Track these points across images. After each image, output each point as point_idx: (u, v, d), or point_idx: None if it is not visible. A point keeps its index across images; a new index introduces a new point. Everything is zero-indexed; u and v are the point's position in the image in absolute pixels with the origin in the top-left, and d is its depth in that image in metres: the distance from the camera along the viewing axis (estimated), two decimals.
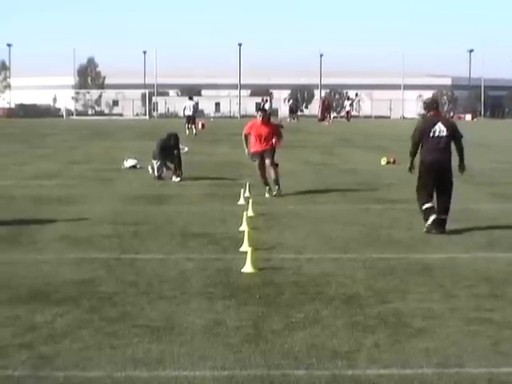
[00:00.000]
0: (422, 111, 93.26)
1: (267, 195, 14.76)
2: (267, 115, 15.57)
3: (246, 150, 15.35)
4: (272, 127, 15.45)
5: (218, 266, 8.76)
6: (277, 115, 58.75)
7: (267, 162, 14.93)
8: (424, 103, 12.03)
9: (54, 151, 27.80)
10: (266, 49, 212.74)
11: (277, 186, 14.91)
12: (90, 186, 16.72)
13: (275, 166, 15.05)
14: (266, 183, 15.05)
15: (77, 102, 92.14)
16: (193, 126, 40.37)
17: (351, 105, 74.55)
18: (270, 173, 14.96)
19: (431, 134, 11.11)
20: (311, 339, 6.13)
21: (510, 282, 8.10)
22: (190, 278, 8.18)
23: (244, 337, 6.20)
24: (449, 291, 7.67)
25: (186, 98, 45.47)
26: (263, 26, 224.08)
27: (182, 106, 42.94)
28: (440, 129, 11.10)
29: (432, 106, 11.55)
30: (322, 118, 64.27)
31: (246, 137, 15.38)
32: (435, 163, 11.16)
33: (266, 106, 52.58)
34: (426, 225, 11.00)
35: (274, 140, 15.07)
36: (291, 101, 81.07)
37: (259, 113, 15.46)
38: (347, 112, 70.95)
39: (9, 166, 21.82)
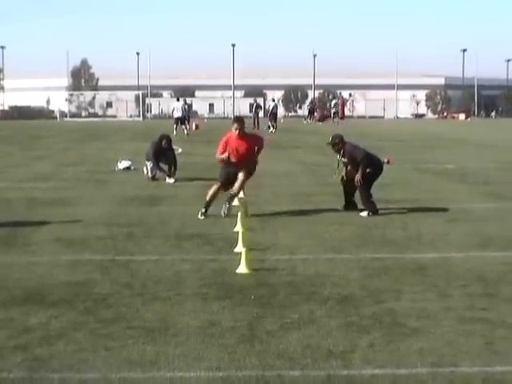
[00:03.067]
0: (416, 111, 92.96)
1: (200, 216, 12.17)
2: (244, 126, 12.58)
3: (224, 156, 12.52)
4: (252, 140, 12.80)
5: (212, 267, 8.76)
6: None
7: (241, 173, 12.41)
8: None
9: (48, 153, 27.77)
10: (259, 49, 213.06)
11: (225, 206, 12.30)
12: (84, 188, 16.71)
13: (245, 175, 12.47)
14: (209, 203, 12.34)
15: (70, 104, 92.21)
16: (183, 127, 40.44)
17: (342, 103, 71.33)
18: (237, 182, 12.46)
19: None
20: (306, 339, 6.14)
21: (504, 281, 8.12)
22: (184, 279, 8.18)
23: (239, 337, 6.20)
24: (443, 291, 7.69)
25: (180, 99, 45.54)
26: (257, 27, 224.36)
27: (172, 107, 42.97)
28: None
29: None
30: (318, 119, 64.25)
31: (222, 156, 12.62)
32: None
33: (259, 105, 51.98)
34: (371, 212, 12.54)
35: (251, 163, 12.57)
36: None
37: (235, 124, 12.46)
38: (334, 113, 65.28)
39: (2, 168, 21.78)
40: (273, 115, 49.13)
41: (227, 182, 12.49)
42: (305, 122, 62.30)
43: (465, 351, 5.85)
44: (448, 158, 24.30)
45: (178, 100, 43.57)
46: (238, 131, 12.40)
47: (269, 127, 46.65)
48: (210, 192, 12.37)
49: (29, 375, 5.38)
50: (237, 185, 12.41)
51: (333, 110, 65.91)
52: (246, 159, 12.46)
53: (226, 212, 12.18)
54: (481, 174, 19.73)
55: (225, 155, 12.45)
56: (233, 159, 12.43)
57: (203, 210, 12.16)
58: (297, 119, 76.81)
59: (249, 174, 12.56)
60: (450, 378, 5.32)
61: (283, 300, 7.36)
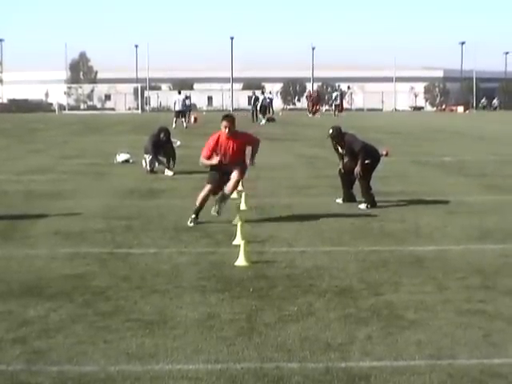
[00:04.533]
0: (414, 104, 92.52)
1: (190, 223, 11.05)
2: (234, 125, 11.31)
3: (212, 161, 11.31)
4: (244, 140, 11.50)
5: (210, 260, 8.77)
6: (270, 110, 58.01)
7: (234, 173, 11.21)
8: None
9: (46, 146, 27.75)
10: (258, 42, 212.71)
11: (217, 206, 11.27)
12: (82, 181, 16.71)
13: (239, 175, 11.31)
14: (201, 207, 11.24)
15: (69, 97, 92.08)
16: (182, 120, 40.51)
17: (341, 96, 70.48)
18: (230, 182, 11.26)
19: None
20: (304, 332, 6.15)
21: (502, 273, 8.13)
22: (183, 272, 8.19)
23: (237, 330, 6.21)
24: (441, 283, 7.70)
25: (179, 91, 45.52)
26: (255, 20, 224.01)
27: (173, 100, 42.97)
28: None
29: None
30: (314, 111, 64.13)
31: (209, 158, 11.37)
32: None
33: (261, 98, 51.86)
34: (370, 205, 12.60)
35: (245, 161, 11.44)
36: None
37: (224, 122, 11.21)
38: (336, 106, 64.85)
39: (1, 160, 21.77)
40: (263, 108, 50.86)
41: (218, 186, 11.32)
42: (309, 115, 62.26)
43: (463, 343, 5.87)
44: (446, 151, 24.29)
45: (179, 93, 43.51)
46: (227, 129, 11.18)
47: (260, 119, 48.84)
48: (200, 197, 11.22)
49: (27, 368, 5.39)
50: (230, 184, 11.24)
51: (336, 103, 65.69)
52: (238, 160, 11.31)
53: (217, 212, 11.22)
54: (479, 166, 19.73)
55: (214, 160, 11.24)
56: (223, 161, 11.23)
57: (193, 216, 11.10)
58: (295, 112, 76.70)
59: (243, 172, 11.45)
60: (447, 370, 5.33)
61: (281, 292, 7.37)
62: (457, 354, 5.63)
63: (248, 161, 11.49)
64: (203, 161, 11.42)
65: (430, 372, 5.29)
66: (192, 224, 10.98)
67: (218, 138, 11.29)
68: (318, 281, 7.79)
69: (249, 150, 11.55)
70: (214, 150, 11.25)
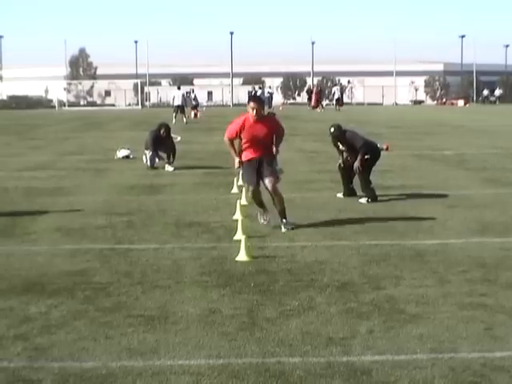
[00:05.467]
0: (415, 98, 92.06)
1: (263, 220, 10.48)
2: (263, 106, 10.56)
3: (236, 159, 10.42)
4: (272, 125, 10.48)
5: (212, 255, 8.77)
6: (271, 104, 57.88)
7: (268, 183, 10.22)
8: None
9: (47, 142, 27.74)
10: (257, 37, 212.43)
11: (284, 219, 10.33)
12: (83, 177, 16.71)
13: (276, 181, 10.31)
14: (262, 205, 10.53)
15: (69, 93, 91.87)
16: (182, 115, 40.53)
17: (341, 91, 70.69)
18: (275, 200, 10.38)
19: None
20: (306, 326, 6.15)
21: (503, 266, 8.13)
22: (184, 267, 8.19)
23: (239, 325, 6.22)
24: (442, 277, 7.70)
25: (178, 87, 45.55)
26: (255, 15, 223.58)
27: (172, 95, 43.02)
28: None
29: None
30: (315, 106, 64.08)
31: (231, 141, 10.44)
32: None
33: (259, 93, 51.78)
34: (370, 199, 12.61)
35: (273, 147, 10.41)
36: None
37: (251, 103, 10.17)
38: (336, 100, 64.18)
39: (1, 157, 21.76)
40: None
41: (258, 182, 10.32)
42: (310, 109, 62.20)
43: (464, 337, 5.87)
44: (447, 145, 24.27)
45: (178, 88, 43.55)
46: (254, 111, 10.06)
47: None
48: (253, 200, 10.48)
49: (29, 364, 5.39)
50: (277, 202, 10.34)
51: (336, 97, 65.60)
52: (268, 147, 10.29)
53: (267, 220, 10.37)
54: (480, 160, 19.72)
55: (236, 161, 10.38)
56: (253, 153, 10.25)
57: (262, 211, 10.45)
58: (296, 106, 76.66)
59: (276, 177, 10.31)
60: (449, 363, 5.34)
61: (283, 287, 7.37)
62: (458, 348, 5.64)
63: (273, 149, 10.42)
64: (227, 143, 10.43)
65: (432, 366, 5.29)
66: (267, 220, 10.36)
67: (244, 122, 10.19)
68: (319, 275, 7.79)
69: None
70: (238, 133, 10.22)
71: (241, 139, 10.30)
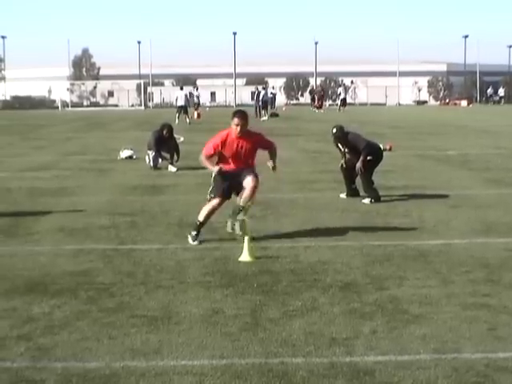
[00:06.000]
0: (418, 98, 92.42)
1: (192, 240, 9.53)
2: (247, 121, 9.61)
3: (215, 167, 9.59)
4: (256, 141, 9.76)
5: (215, 255, 8.77)
6: (274, 105, 57.82)
7: (251, 181, 9.44)
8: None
9: (50, 143, 27.77)
10: (261, 37, 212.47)
11: (232, 221, 9.37)
12: (86, 177, 16.71)
13: (255, 181, 9.49)
14: (204, 223, 9.67)
15: (72, 94, 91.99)
16: (185, 116, 40.57)
17: (345, 91, 71.05)
18: (246, 192, 9.51)
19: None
20: (309, 327, 6.15)
21: (506, 267, 8.12)
22: (187, 268, 8.19)
23: (242, 325, 6.21)
24: (445, 277, 7.69)
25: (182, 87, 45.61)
26: (258, 15, 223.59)
27: (175, 96, 43.10)
28: None
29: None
30: (319, 106, 64.08)
31: (210, 158, 9.73)
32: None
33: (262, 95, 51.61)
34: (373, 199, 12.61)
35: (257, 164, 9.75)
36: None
37: (235, 119, 9.48)
38: (341, 100, 64.70)
39: (4, 157, 21.79)
40: (263, 103, 50.44)
41: (226, 196, 9.73)
42: (316, 111, 62.23)
43: (467, 337, 5.86)
44: (450, 145, 24.25)
45: (181, 89, 43.68)
46: (238, 128, 9.48)
47: (263, 115, 48.63)
48: (204, 212, 9.64)
49: (32, 364, 5.39)
50: (247, 193, 9.48)
51: (341, 97, 65.72)
52: (248, 164, 9.67)
53: (233, 228, 9.34)
54: (483, 160, 19.70)
55: (216, 168, 9.59)
56: (231, 165, 9.62)
57: (194, 233, 9.53)
58: (299, 107, 76.65)
59: (257, 178, 9.62)
60: (452, 364, 5.33)
61: (286, 287, 7.37)
62: (462, 348, 5.63)
63: (269, 164, 9.78)
64: (203, 160, 9.74)
65: (435, 366, 5.29)
66: (196, 243, 9.44)
67: (227, 137, 9.57)
68: (323, 275, 7.78)
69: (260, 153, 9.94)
70: (217, 150, 9.58)
71: (219, 156, 9.66)
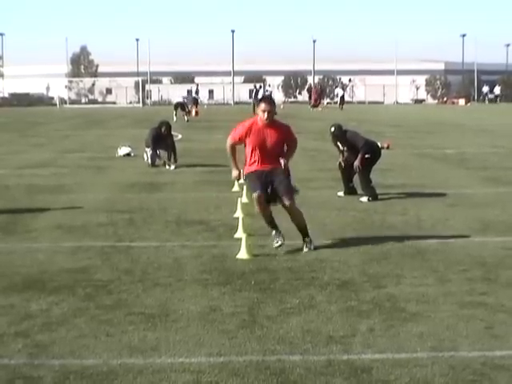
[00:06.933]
0: (416, 96, 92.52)
1: (277, 244, 8.93)
2: (275, 108, 8.92)
3: (234, 170, 9.18)
4: (284, 132, 9.10)
5: (212, 253, 8.78)
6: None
7: (286, 200, 8.89)
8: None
9: (48, 140, 27.75)
10: (259, 35, 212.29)
11: (306, 237, 8.98)
12: (84, 175, 16.71)
13: (293, 199, 9.00)
14: (273, 224, 9.07)
15: (70, 91, 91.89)
16: (183, 113, 40.61)
17: (343, 90, 71.46)
18: (292, 217, 9.04)
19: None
20: (306, 324, 6.16)
21: (503, 265, 8.13)
22: (185, 265, 8.19)
23: (239, 323, 6.22)
24: (443, 275, 7.70)
25: (179, 85, 45.66)
26: (256, 13, 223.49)
27: (175, 93, 43.16)
28: None
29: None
30: (316, 104, 64.11)
31: (234, 148, 9.13)
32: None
33: (260, 94, 51.61)
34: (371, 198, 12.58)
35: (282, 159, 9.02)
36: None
37: (262, 105, 8.79)
38: (340, 98, 65.50)
39: (2, 154, 21.78)
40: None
41: (264, 192, 8.84)
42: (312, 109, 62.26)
43: (464, 336, 5.87)
44: (448, 143, 24.26)
45: (188, 92, 43.81)
46: (266, 115, 8.73)
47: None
48: (260, 213, 9.05)
49: (30, 361, 5.40)
50: (295, 221, 9.02)
51: (340, 95, 65.90)
52: (277, 157, 8.95)
53: (281, 242, 8.89)
54: (481, 159, 19.72)
55: (234, 173, 9.16)
56: (257, 165, 8.93)
57: (274, 233, 9.01)
58: (297, 105, 76.62)
59: (289, 185, 9.06)
60: (449, 362, 5.34)
61: (283, 285, 7.37)
62: (459, 347, 5.64)
63: (281, 161, 9.03)
64: (228, 148, 9.15)
65: (432, 364, 5.29)
66: (279, 242, 8.85)
67: (251, 126, 8.88)
68: (320, 273, 7.79)
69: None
70: (242, 138, 8.92)
71: (245, 149, 9.05)
